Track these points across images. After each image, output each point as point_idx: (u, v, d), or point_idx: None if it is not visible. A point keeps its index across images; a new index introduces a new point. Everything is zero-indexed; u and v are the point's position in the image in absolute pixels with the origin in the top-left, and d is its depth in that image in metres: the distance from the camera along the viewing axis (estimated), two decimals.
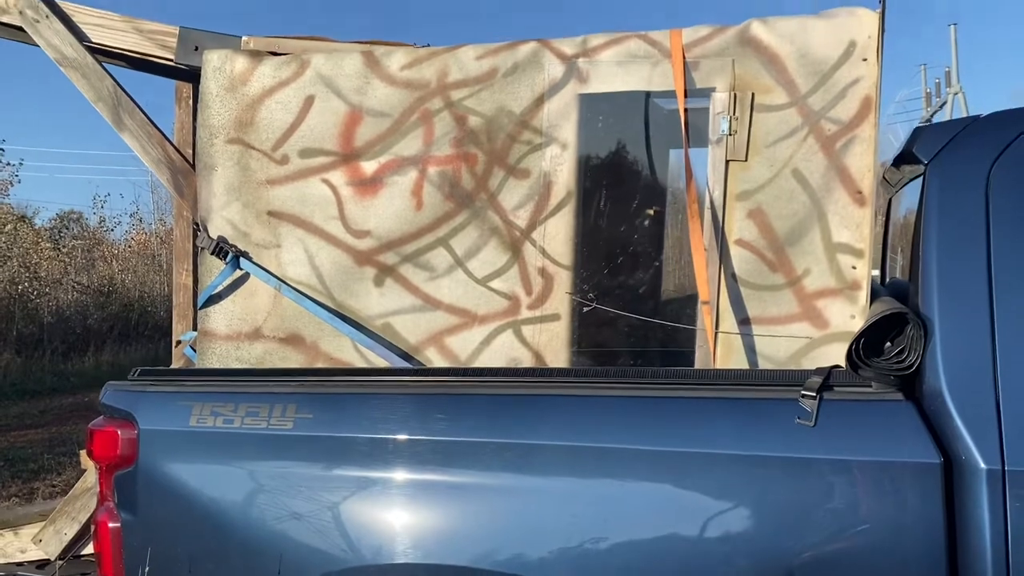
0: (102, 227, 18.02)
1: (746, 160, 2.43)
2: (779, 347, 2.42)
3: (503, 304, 2.65)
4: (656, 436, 2.21)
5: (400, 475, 2.37)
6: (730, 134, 2.44)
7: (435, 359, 2.71)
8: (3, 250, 13.35)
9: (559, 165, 2.61)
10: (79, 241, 16.88)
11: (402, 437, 2.40)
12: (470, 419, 2.39)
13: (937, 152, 2.08)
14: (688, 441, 2.18)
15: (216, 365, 2.91)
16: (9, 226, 13.62)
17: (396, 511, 2.37)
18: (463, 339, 2.68)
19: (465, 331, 2.67)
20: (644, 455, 2.21)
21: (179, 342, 3.19)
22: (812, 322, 2.40)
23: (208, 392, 2.64)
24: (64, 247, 15.79)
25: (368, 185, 2.75)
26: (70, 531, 3.13)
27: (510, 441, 2.30)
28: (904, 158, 2.32)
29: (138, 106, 3.01)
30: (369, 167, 2.75)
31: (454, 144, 2.68)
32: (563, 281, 2.61)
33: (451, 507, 2.33)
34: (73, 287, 14.35)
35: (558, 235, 2.61)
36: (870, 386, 2.05)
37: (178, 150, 3.04)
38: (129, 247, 18.35)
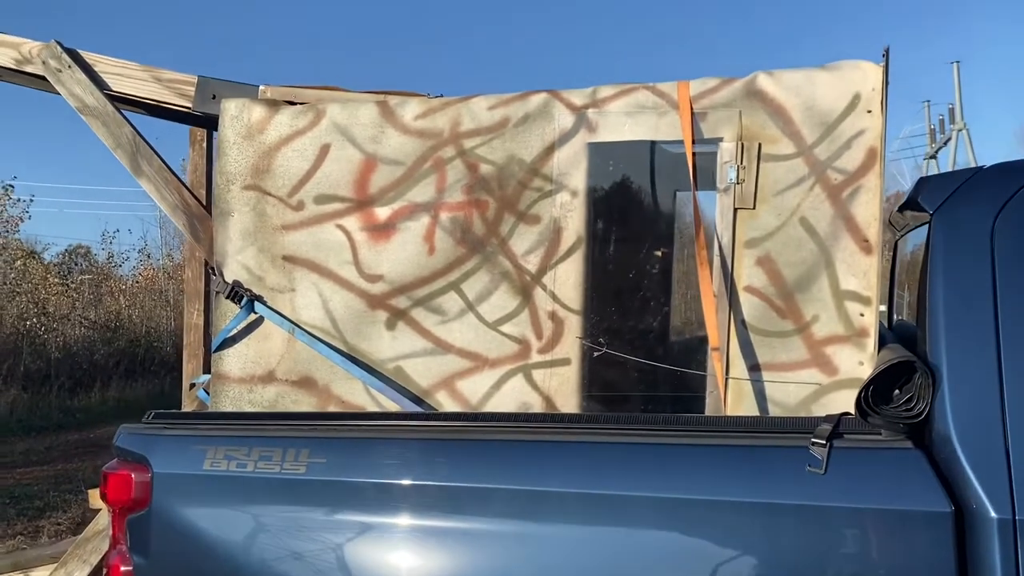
0: (110, 263, 18.13)
1: (754, 208, 2.47)
2: (789, 393, 2.44)
3: (514, 348, 2.67)
4: (666, 483, 2.22)
5: (411, 521, 2.38)
6: (738, 183, 2.48)
7: (446, 403, 2.73)
8: (12, 286, 13.41)
9: (569, 211, 2.65)
10: (87, 276, 16.97)
11: (413, 482, 2.41)
12: (480, 465, 2.40)
13: (942, 203, 2.11)
14: (698, 488, 2.18)
15: (229, 408, 2.93)
16: (19, 262, 13.71)
17: (408, 557, 2.37)
18: (474, 383, 2.70)
19: (476, 375, 2.70)
20: (653, 502, 2.22)
21: (193, 385, 3.22)
22: (821, 368, 2.42)
23: (222, 436, 2.65)
24: (72, 283, 15.86)
25: (382, 231, 2.80)
26: (81, 574, 3.13)
27: (520, 488, 2.31)
28: (910, 205, 2.36)
29: (156, 152, 3.07)
30: (383, 213, 2.80)
31: (466, 191, 2.73)
32: (573, 325, 2.64)
33: (462, 554, 2.33)
34: (80, 322, 14.39)
35: (568, 280, 2.65)
36: (880, 434, 2.06)
37: (194, 195, 3.10)
38: (137, 283, 18.43)
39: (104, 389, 13.41)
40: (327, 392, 2.84)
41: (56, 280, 15.66)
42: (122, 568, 2.61)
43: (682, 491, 2.21)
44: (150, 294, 17.96)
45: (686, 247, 3.15)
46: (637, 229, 2.92)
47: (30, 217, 14.75)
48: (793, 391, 2.43)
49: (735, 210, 2.48)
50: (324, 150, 2.85)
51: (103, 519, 3.20)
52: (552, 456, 2.34)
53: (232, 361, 2.93)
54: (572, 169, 2.65)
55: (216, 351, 2.95)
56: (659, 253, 3.16)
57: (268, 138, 2.89)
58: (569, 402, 2.63)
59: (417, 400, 2.74)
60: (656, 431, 2.27)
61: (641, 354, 2.61)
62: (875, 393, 2.08)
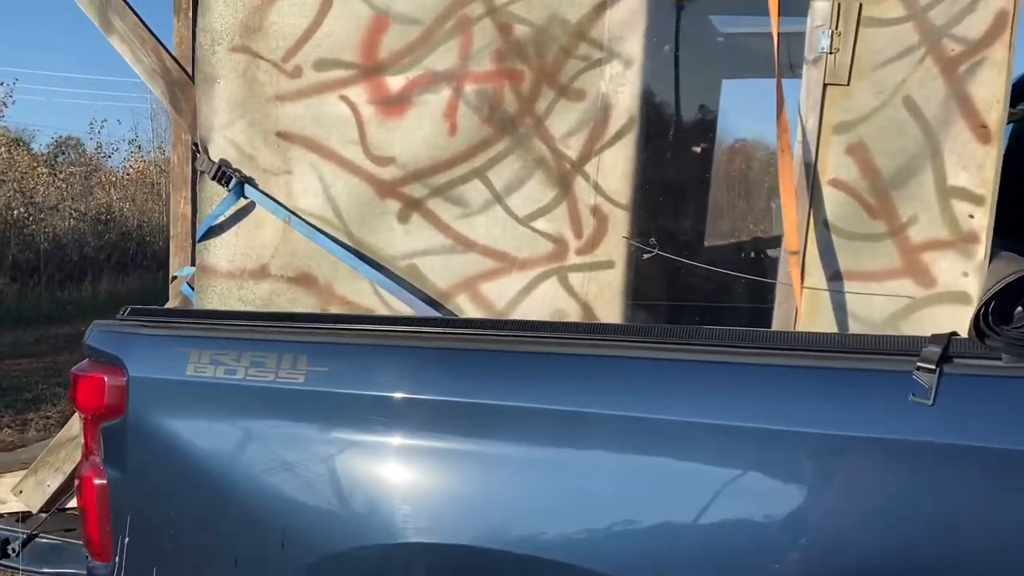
0: (99, 153, 17.53)
1: (848, 84, 2.06)
2: (874, 307, 2.08)
3: (548, 247, 2.30)
4: (731, 409, 1.89)
5: (425, 442, 2.07)
6: (830, 52, 2.05)
7: (467, 308, 2.37)
8: None
9: (620, 86, 2.23)
10: (77, 167, 16.42)
11: (429, 398, 2.09)
12: (507, 380, 2.07)
13: None
14: (771, 417, 1.85)
15: (217, 306, 2.58)
16: (2, 148, 13.17)
17: (421, 483, 2.08)
18: (500, 286, 2.34)
19: (503, 277, 2.34)
20: (716, 431, 1.90)
21: (175, 277, 2.85)
22: (916, 279, 2.05)
23: (208, 337, 2.33)
24: (61, 173, 15.35)
25: (393, 104, 2.38)
26: (53, 482, 2.84)
27: (554, 408, 1.99)
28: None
29: (129, 6, 2.61)
30: (395, 83, 2.38)
31: (496, 58, 2.30)
32: (619, 223, 2.27)
33: (482, 481, 2.03)
34: (70, 214, 13.96)
35: (615, 169, 2.25)
36: (1000, 359, 1.73)
37: (175, 58, 2.65)
38: (128, 175, 17.89)
39: (95, 283, 13.10)
40: (329, 291, 2.48)
41: (44, 170, 15.13)
42: (95, 481, 2.33)
43: (750, 419, 1.87)
44: (142, 187, 17.45)
45: (758, 135, 2.72)
46: (702, 112, 2.49)
47: (14, 102, 14.11)
48: (880, 305, 2.07)
49: (825, 86, 2.06)
50: (326, 4, 2.41)
51: (76, 424, 2.88)
52: (593, 373, 2.01)
53: (219, 252, 2.56)
54: (627, 33, 2.22)
55: (201, 240, 2.58)
56: (698, 149, 2.74)
57: None
58: (611, 311, 2.28)
59: (433, 304, 2.38)
60: (719, 347, 1.91)
61: (698, 258, 2.22)
62: (995, 311, 1.72)
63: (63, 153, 18.76)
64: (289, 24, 2.45)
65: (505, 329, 2.14)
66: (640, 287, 2.30)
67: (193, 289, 2.66)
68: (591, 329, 2.14)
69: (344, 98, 2.43)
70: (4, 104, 13.62)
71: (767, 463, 1.79)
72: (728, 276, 2.23)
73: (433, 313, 2.37)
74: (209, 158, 2.52)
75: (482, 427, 1.98)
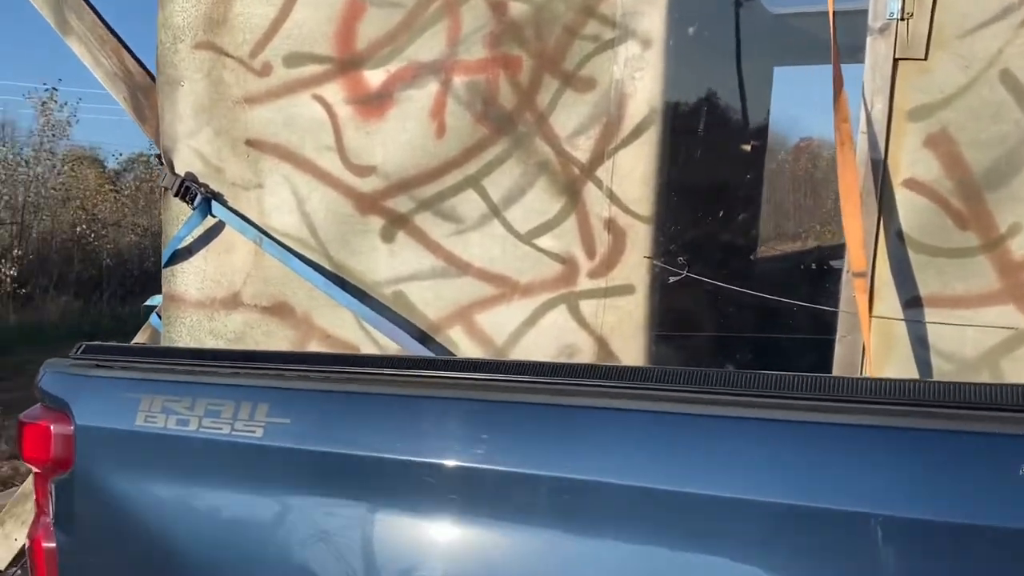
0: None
1: (925, 59, 1.61)
2: (966, 341, 1.64)
3: (555, 269, 1.94)
4: (777, 482, 1.44)
5: (406, 517, 1.67)
6: (902, 19, 1.61)
7: (461, 342, 2.01)
8: (63, 192, 13.13)
9: (638, 71, 1.83)
10: (146, 183, 16.68)
11: (408, 459, 1.69)
12: (502, 440, 1.65)
13: None
14: (829, 494, 1.40)
15: (185, 339, 2.26)
16: (67, 167, 13.38)
17: (392, 562, 1.68)
18: (499, 316, 1.98)
19: (502, 305, 1.97)
20: (755, 508, 1.45)
21: (145, 307, 2.55)
22: (1020, 304, 1.59)
23: (160, 381, 1.99)
24: (125, 189, 15.58)
25: (373, 103, 2.05)
26: (20, 536, 2.57)
27: (558, 476, 1.56)
28: None
29: (89, 4, 2.32)
30: (374, 78, 2.04)
31: (489, 43, 1.94)
32: (639, 239, 1.88)
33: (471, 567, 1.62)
34: (132, 229, 14.12)
35: (634, 173, 1.86)
36: None
37: (139, 62, 2.35)
38: None
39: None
40: (307, 323, 2.15)
41: (109, 187, 15.37)
42: (44, 544, 2.01)
43: (803, 496, 1.42)
44: None
45: (812, 130, 2.27)
46: (735, 103, 2.06)
47: (78, 121, 14.32)
48: (973, 338, 1.63)
49: (895, 62, 1.62)
50: None
51: None
52: (602, 431, 1.58)
53: (187, 279, 2.26)
54: (644, 6, 1.81)
55: (166, 266, 2.29)
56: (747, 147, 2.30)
57: None
58: (631, 346, 1.89)
59: (423, 337, 2.01)
60: (761, 398, 1.47)
61: (739, 282, 1.80)
62: None
63: (131, 170, 19.12)
64: (256, 14, 2.13)
65: (503, 373, 1.73)
66: (666, 317, 1.89)
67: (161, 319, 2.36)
68: (606, 373, 1.70)
69: (318, 97, 2.10)
70: (68, 123, 13.84)
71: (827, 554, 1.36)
72: (777, 303, 1.79)
73: (422, 350, 2.00)
74: (172, 172, 2.21)
75: (473, 500, 1.58)
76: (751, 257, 1.93)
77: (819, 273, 1.89)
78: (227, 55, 2.16)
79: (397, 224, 2.05)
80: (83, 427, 1.98)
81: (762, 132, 2.38)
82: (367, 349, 2.11)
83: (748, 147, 2.15)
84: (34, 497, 2.42)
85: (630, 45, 1.85)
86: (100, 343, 2.16)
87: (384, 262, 2.07)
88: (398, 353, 2.03)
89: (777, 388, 1.45)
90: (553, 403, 1.50)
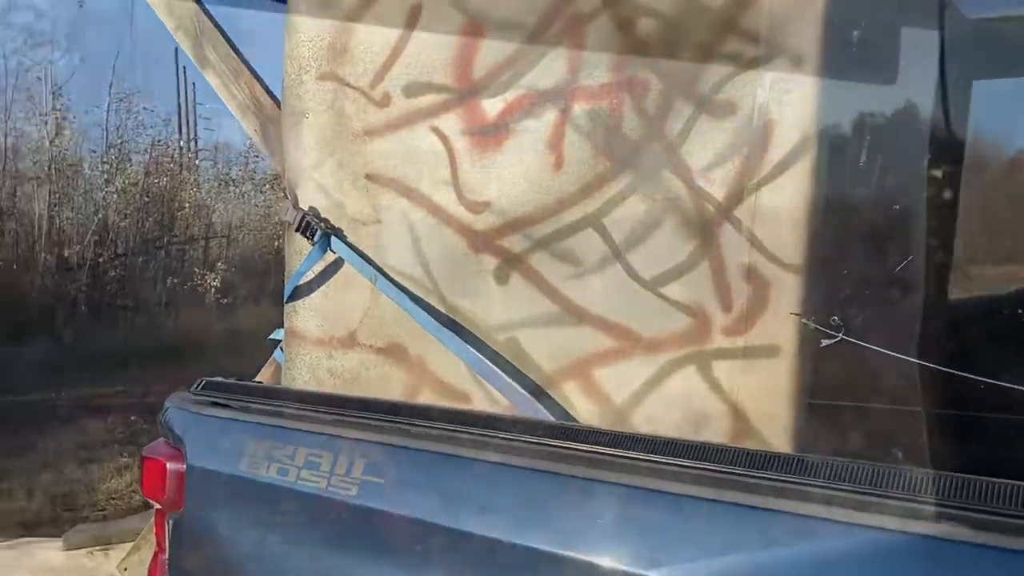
0: None
1: None
2: None
3: (683, 323, 1.69)
4: None
5: None
6: None
7: (577, 399, 1.80)
8: (263, 208, 14.11)
9: (786, 94, 1.54)
10: None
11: (501, 539, 1.50)
12: (612, 534, 1.42)
13: None
14: None
15: (305, 377, 2.20)
16: (268, 185, 14.38)
17: None
18: (620, 373, 1.75)
19: (623, 361, 1.74)
20: None
21: (270, 340, 2.53)
22: None
23: (266, 425, 1.92)
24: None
25: (490, 135, 1.89)
26: None
27: None
28: None
29: (224, 35, 2.33)
30: (491, 108, 1.88)
31: (614, 67, 1.72)
32: (786, 291, 1.58)
33: None
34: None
35: (780, 213, 1.58)
36: None
37: (270, 93, 2.33)
38: None
39: None
40: (420, 367, 2.02)
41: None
42: None
43: None
44: None
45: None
46: (908, 131, 1.70)
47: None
48: None
49: None
50: (414, 13, 1.94)
51: None
52: (740, 539, 1.30)
53: (307, 316, 2.20)
54: (795, 18, 1.53)
55: (288, 301, 2.21)
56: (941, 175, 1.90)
57: None
58: (775, 417, 1.58)
59: (536, 391, 1.81)
60: (978, 511, 1.12)
61: (915, 349, 1.45)
62: None
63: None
64: (377, 43, 2.03)
65: (623, 448, 1.49)
66: (820, 386, 1.57)
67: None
68: (750, 459, 1.40)
69: (435, 129, 1.97)
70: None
71: None
72: (970, 380, 1.42)
73: (535, 407, 1.81)
74: (296, 206, 2.16)
75: None
76: (929, 316, 1.56)
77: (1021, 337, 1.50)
78: (349, 86, 2.08)
79: (511, 264, 1.88)
80: (193, 466, 1.95)
81: (954, 162, 1.99)
82: (479, 400, 1.94)
83: (933, 178, 1.78)
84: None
85: (777, 63, 1.57)
86: (220, 379, 2.13)
87: (497, 305, 1.90)
88: (511, 409, 1.85)
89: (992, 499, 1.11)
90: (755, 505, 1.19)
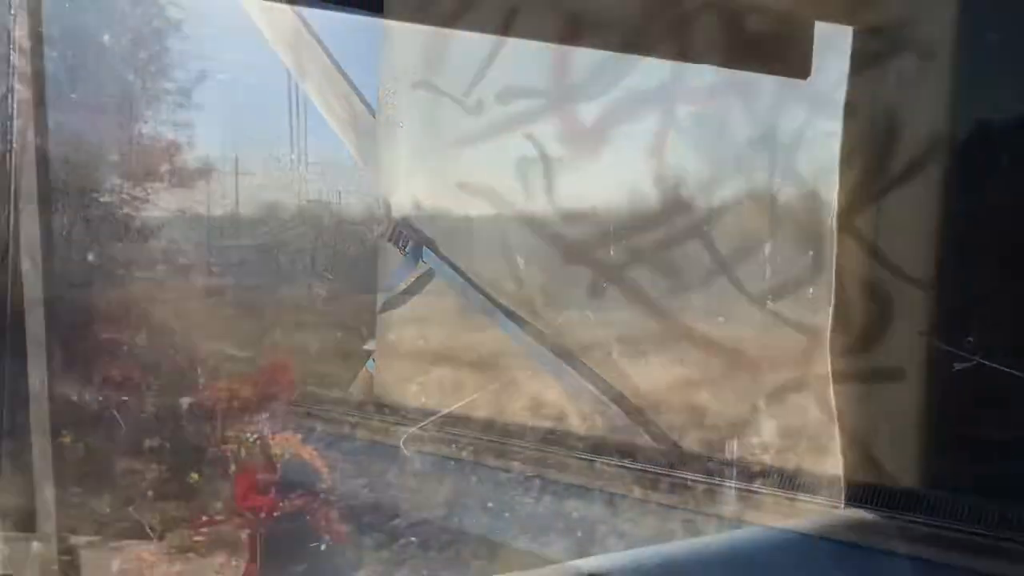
0: None
1: None
2: None
3: (797, 342, 1.62)
4: None
5: None
6: None
7: (682, 425, 1.69)
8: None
9: (911, 88, 1.41)
10: None
11: None
12: None
13: None
14: None
15: (394, 391, 2.18)
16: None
17: None
18: (727, 397, 1.65)
19: (730, 383, 1.63)
20: None
21: (365, 351, 2.52)
22: None
23: None
24: None
25: (587, 141, 1.81)
26: None
27: None
28: None
29: (323, 48, 2.33)
30: (589, 112, 1.81)
31: (721, 66, 1.61)
32: (913, 308, 1.45)
33: None
34: None
35: (906, 222, 1.46)
36: None
37: (367, 104, 2.32)
38: None
39: None
40: (513, 384, 1.95)
41: None
42: None
43: None
44: None
45: None
46: None
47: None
48: None
49: None
50: (510, 16, 1.88)
51: None
52: None
53: (398, 327, 2.17)
54: (925, 9, 1.40)
55: (381, 311, 2.20)
56: None
57: (442, 4, 2.00)
58: (899, 447, 1.46)
59: (637, 415, 1.73)
60: None
61: None
62: None
63: None
64: (471, 49, 2.00)
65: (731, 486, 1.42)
66: (950, 412, 1.43)
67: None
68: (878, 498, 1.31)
69: (530, 137, 1.92)
70: None
71: None
72: None
73: (634, 432, 1.72)
74: (389, 216, 2.15)
75: None
76: None
77: None
78: (442, 94, 2.06)
79: (607, 277, 1.80)
80: None
81: None
82: (574, 419, 1.86)
83: None
84: None
85: (904, 58, 1.44)
86: None
87: (592, 320, 1.83)
88: (608, 431, 1.76)
89: None
90: None
